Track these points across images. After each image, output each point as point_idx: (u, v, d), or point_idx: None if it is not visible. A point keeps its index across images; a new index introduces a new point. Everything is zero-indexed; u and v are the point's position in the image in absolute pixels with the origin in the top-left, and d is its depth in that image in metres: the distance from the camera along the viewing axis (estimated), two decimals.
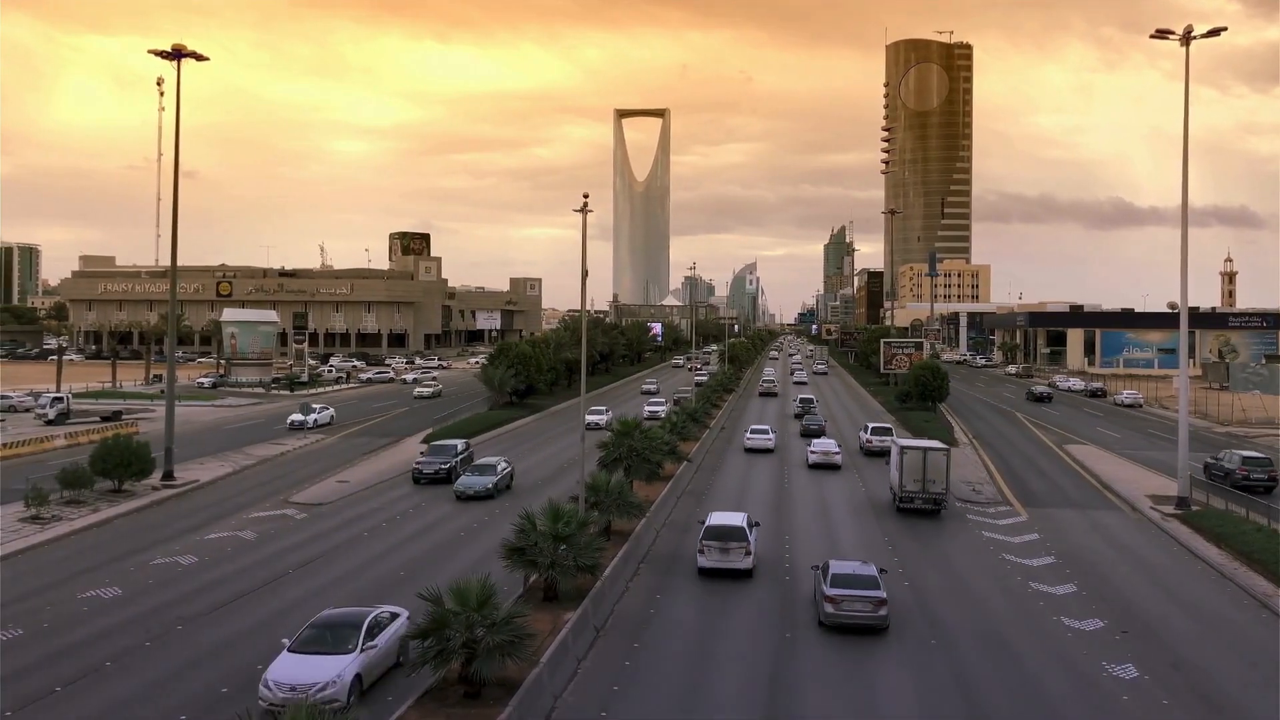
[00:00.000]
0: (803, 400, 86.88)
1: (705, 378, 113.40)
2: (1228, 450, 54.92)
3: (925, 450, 44.02)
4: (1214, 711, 22.07)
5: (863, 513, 43.85)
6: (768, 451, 61.54)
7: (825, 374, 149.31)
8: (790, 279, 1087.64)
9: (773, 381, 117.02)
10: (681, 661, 24.46)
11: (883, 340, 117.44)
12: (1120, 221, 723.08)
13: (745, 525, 33.47)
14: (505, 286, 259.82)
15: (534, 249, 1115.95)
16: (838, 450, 56.98)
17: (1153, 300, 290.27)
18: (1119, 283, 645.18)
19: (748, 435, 64.36)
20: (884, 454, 56.02)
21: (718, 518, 34.35)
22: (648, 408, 78.86)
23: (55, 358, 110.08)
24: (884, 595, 27.13)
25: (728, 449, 63.54)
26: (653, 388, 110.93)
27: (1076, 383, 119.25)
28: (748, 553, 32.44)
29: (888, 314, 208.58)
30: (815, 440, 60.68)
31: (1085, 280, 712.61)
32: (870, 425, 65.82)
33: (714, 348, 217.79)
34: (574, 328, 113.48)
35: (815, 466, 55.58)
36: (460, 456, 51.20)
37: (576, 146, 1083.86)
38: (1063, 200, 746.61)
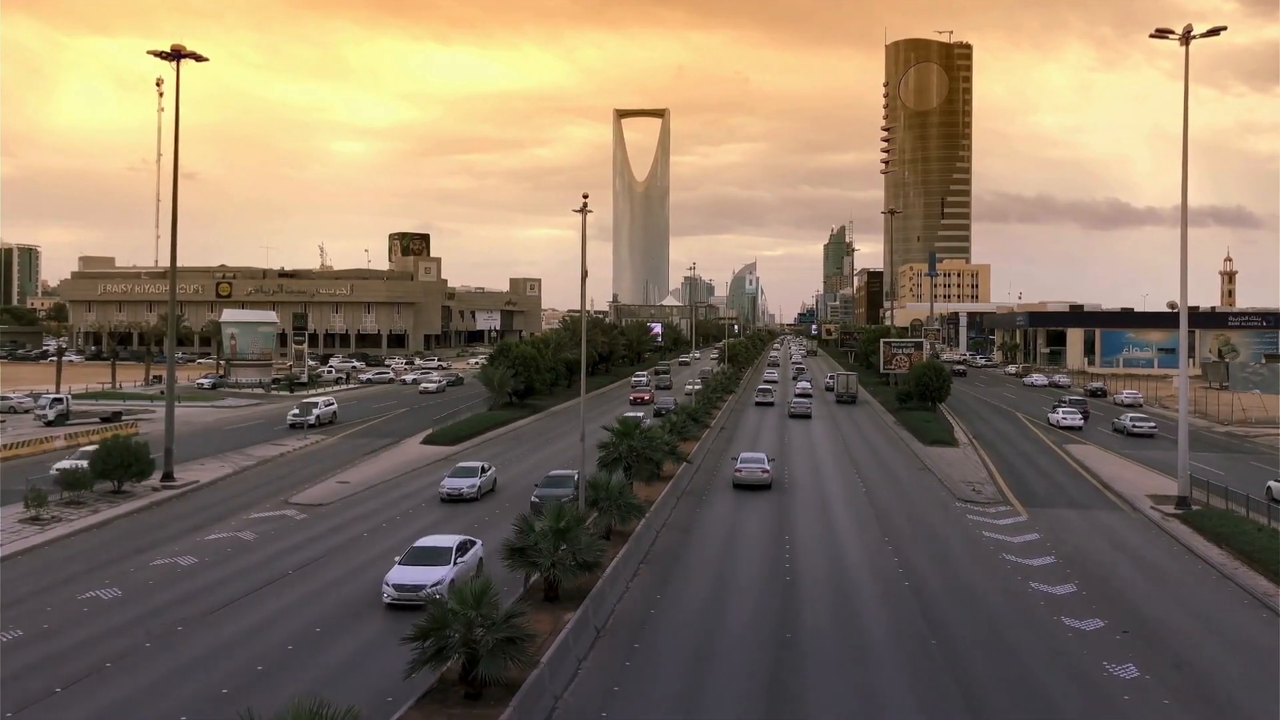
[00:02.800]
0: (797, 369, 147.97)
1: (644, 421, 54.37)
2: (1069, 396, 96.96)
3: (847, 375, 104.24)
4: (1215, 711, 22.07)
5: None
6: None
7: (810, 355, 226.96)
8: (790, 279, 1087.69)
9: (776, 357, 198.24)
10: (683, 662, 24.46)
11: (883, 340, 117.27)
12: (1119, 221, 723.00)
13: (773, 386, 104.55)
14: (505, 287, 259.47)
15: (534, 249, 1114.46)
16: (811, 388, 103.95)
17: (1152, 300, 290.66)
18: (1118, 283, 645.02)
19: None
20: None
21: (762, 382, 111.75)
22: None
23: (55, 358, 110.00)
24: (810, 397, 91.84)
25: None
26: (467, 488, 44.56)
27: (1039, 379, 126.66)
28: (771, 395, 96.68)
29: (887, 314, 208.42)
30: (800, 383, 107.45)
31: (1084, 280, 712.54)
32: (829, 374, 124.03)
33: (696, 354, 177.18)
34: (574, 328, 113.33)
35: (799, 396, 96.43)
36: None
37: (577, 147, 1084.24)
38: (1062, 200, 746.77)
